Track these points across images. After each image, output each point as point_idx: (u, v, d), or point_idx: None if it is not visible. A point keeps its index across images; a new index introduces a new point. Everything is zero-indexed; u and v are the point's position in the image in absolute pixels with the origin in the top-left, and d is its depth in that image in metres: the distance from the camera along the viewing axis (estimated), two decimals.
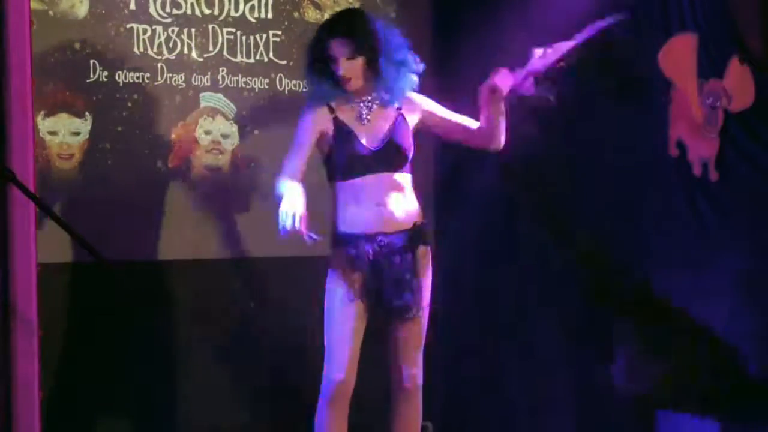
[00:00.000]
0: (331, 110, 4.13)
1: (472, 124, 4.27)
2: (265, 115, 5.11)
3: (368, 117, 4.12)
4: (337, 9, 5.24)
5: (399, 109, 4.17)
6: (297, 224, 3.74)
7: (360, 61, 4.06)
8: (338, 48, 4.05)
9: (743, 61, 4.54)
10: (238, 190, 5.06)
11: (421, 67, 4.21)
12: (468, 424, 5.42)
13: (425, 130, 4.30)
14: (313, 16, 5.24)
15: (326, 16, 5.23)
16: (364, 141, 4.09)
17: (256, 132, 5.09)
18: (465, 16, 5.39)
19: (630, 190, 4.93)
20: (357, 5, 5.34)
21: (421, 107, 4.25)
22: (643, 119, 4.88)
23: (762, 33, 4.62)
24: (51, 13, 4.67)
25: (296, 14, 5.22)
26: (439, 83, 5.44)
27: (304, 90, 5.13)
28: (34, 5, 4.29)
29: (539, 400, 5.20)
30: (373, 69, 4.09)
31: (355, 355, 4.06)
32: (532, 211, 5.29)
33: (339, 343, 4.03)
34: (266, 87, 5.12)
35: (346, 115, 4.13)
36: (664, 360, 4.82)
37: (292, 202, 3.80)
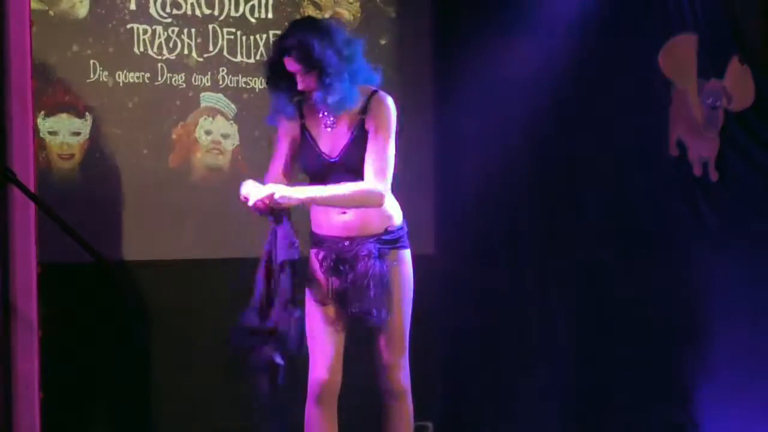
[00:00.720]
0: (302, 116, 4.10)
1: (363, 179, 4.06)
2: (265, 115, 5.10)
3: (332, 124, 4.05)
4: (338, 9, 5.25)
5: (363, 113, 4.04)
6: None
7: (315, 73, 3.96)
8: (292, 65, 3.97)
9: (743, 61, 4.55)
10: (238, 190, 5.05)
11: (377, 75, 4.06)
12: (468, 424, 5.41)
13: None
14: (313, 15, 5.24)
15: (326, 15, 5.24)
16: (324, 149, 4.03)
17: (256, 132, 5.09)
18: (465, 16, 5.39)
19: (630, 190, 4.93)
20: (358, 5, 5.33)
21: (372, 123, 4.03)
22: (643, 119, 4.88)
23: (762, 33, 4.63)
24: (51, 13, 4.67)
25: (297, 15, 5.22)
26: (439, 83, 5.45)
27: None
28: (34, 5, 4.28)
29: (539, 401, 5.20)
30: (317, 87, 3.98)
31: (337, 356, 4.05)
32: (532, 212, 5.29)
33: (319, 344, 4.05)
34: (266, 87, 5.11)
35: (312, 122, 4.08)
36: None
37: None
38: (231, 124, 5.06)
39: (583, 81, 5.04)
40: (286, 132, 4.13)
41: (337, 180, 3.98)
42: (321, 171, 4.04)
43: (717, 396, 4.62)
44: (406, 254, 4.10)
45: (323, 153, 4.04)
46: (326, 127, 4.06)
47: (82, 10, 4.74)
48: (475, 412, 5.39)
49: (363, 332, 4.12)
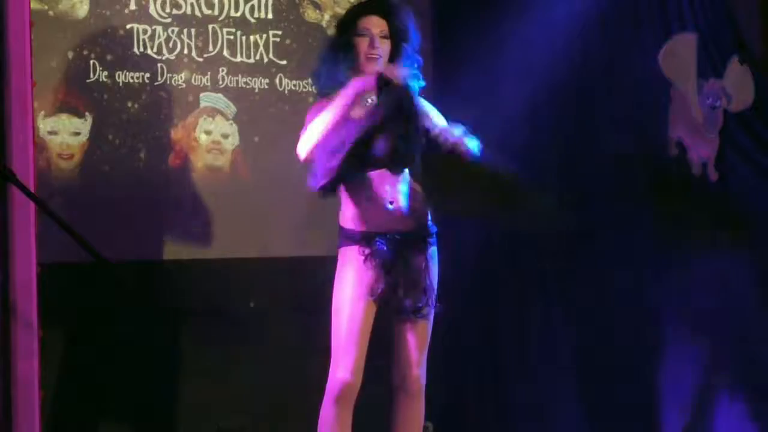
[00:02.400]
0: None
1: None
2: (265, 115, 5.11)
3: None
4: (337, 9, 5.24)
5: None
6: None
7: (388, 44, 4.04)
8: (375, 25, 4.03)
9: (743, 61, 4.55)
10: (238, 190, 5.06)
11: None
12: (468, 424, 5.42)
13: None
14: (312, 16, 5.25)
15: (326, 16, 5.24)
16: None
17: (256, 132, 5.09)
18: (465, 17, 5.39)
19: (630, 190, 4.93)
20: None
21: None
22: (642, 119, 4.88)
23: (762, 33, 4.63)
24: (51, 13, 4.67)
25: (296, 15, 5.22)
26: (439, 83, 5.45)
27: (304, 90, 5.14)
28: (34, 5, 4.28)
29: (538, 400, 5.20)
30: (395, 56, 4.05)
31: (362, 355, 4.02)
32: (531, 212, 5.28)
33: (347, 342, 3.99)
34: (266, 87, 5.12)
35: (353, 113, 4.04)
36: None
37: None
38: (231, 124, 5.06)
39: (582, 81, 5.04)
40: None
41: (384, 167, 3.98)
42: (368, 158, 3.99)
43: (716, 395, 4.62)
44: (436, 251, 4.12)
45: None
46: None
47: (82, 11, 4.74)
48: (475, 412, 5.40)
49: (378, 330, 4.11)
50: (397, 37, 4.04)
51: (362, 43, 4.03)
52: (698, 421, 4.73)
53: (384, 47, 4.03)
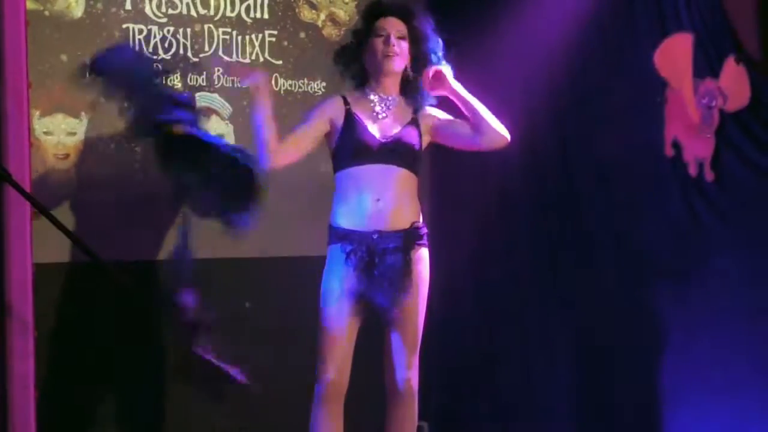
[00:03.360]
0: (346, 102, 4.14)
1: (466, 125, 4.23)
2: None
3: (383, 114, 4.11)
4: (333, 9, 5.24)
5: (414, 112, 4.19)
6: None
7: (406, 44, 4.14)
8: (392, 25, 4.13)
9: (739, 61, 4.54)
10: None
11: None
12: (464, 424, 5.41)
13: (436, 140, 4.28)
14: (308, 15, 5.25)
15: (322, 15, 5.24)
16: (373, 132, 4.08)
17: (252, 132, 5.09)
18: (461, 18, 5.39)
19: (626, 191, 4.93)
20: (353, 5, 5.33)
21: (434, 118, 4.23)
22: (638, 119, 4.87)
23: (758, 33, 4.62)
24: (47, 13, 4.66)
25: (292, 15, 5.22)
26: None
27: (300, 90, 5.15)
28: (29, 5, 4.28)
29: (536, 401, 5.20)
30: (414, 56, 4.16)
31: (347, 355, 4.03)
32: (527, 213, 5.28)
33: (331, 341, 4.01)
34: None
35: (360, 109, 4.13)
36: None
37: None
38: (226, 124, 5.06)
39: (578, 81, 5.04)
40: (324, 114, 4.16)
41: (380, 162, 4.04)
42: (367, 150, 4.04)
43: (715, 397, 4.62)
44: (426, 253, 4.12)
45: (373, 135, 4.07)
46: (377, 115, 4.12)
47: (78, 11, 4.73)
48: (471, 412, 5.39)
49: (372, 330, 4.10)
50: (416, 40, 4.15)
51: (378, 43, 4.10)
52: None
53: (402, 46, 4.12)
